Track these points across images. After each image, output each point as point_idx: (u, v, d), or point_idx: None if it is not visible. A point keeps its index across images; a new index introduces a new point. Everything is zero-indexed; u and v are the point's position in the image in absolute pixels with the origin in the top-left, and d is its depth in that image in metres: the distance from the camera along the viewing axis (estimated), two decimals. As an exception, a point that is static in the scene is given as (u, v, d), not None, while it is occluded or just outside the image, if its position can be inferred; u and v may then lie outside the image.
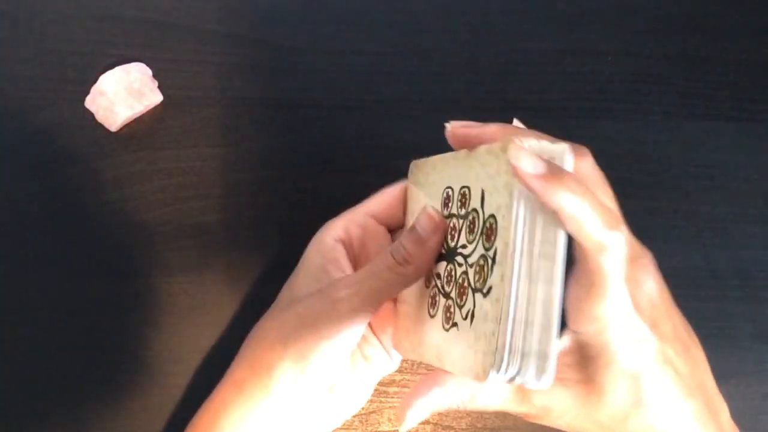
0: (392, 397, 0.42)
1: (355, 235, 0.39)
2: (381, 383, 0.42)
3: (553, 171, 0.28)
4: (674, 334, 0.31)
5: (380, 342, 0.38)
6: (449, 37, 0.47)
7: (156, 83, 0.45)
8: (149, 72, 0.45)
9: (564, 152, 0.30)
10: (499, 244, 0.30)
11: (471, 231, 0.33)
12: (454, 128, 0.34)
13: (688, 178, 0.45)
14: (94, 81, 0.44)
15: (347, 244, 0.39)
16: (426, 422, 0.42)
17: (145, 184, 0.44)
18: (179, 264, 0.43)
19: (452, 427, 0.42)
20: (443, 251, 0.35)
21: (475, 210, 0.32)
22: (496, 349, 0.29)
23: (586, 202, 0.28)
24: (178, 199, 0.44)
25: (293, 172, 0.45)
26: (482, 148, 0.32)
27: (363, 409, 0.42)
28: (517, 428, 0.42)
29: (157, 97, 0.45)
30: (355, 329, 0.34)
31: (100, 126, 0.44)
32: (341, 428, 0.42)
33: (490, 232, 0.31)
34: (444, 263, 0.35)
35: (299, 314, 0.35)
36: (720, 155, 0.46)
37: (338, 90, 0.46)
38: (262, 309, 0.41)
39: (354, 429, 0.42)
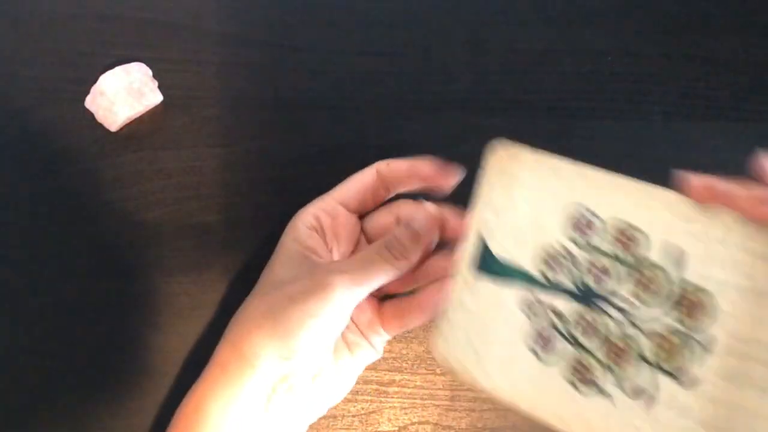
0: (392, 397, 0.42)
1: (325, 223, 0.39)
2: (381, 383, 0.42)
3: None
4: None
5: (364, 336, 0.38)
6: (449, 37, 0.47)
7: (156, 83, 0.45)
8: (149, 72, 0.45)
9: None
10: (719, 332, 0.26)
11: (647, 289, 0.28)
12: (695, 184, 0.28)
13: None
14: (94, 81, 0.44)
15: (319, 232, 0.39)
16: (426, 422, 0.42)
17: (145, 184, 0.44)
18: (179, 264, 0.43)
19: (452, 427, 0.42)
20: (572, 287, 0.30)
21: (659, 268, 0.28)
22: None
23: None
24: (178, 199, 0.44)
25: (293, 172, 0.45)
26: (689, 203, 0.28)
27: (363, 409, 0.42)
28: (517, 428, 0.42)
29: (157, 97, 0.45)
30: (343, 312, 0.35)
31: (100, 126, 0.44)
32: (341, 428, 0.42)
33: (697, 310, 0.27)
34: (573, 304, 0.30)
35: (288, 293, 0.35)
36: (720, 155, 0.46)
37: (338, 90, 0.46)
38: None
39: (354, 429, 0.42)
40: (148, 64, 0.45)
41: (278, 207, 0.44)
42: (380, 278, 0.36)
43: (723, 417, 0.25)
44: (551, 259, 0.30)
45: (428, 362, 0.42)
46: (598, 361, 0.29)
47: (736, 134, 0.46)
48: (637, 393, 0.28)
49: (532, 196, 0.31)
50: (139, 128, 0.45)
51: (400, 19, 0.47)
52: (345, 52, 0.47)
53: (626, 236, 0.29)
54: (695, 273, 0.27)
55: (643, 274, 0.28)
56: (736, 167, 0.46)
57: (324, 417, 0.42)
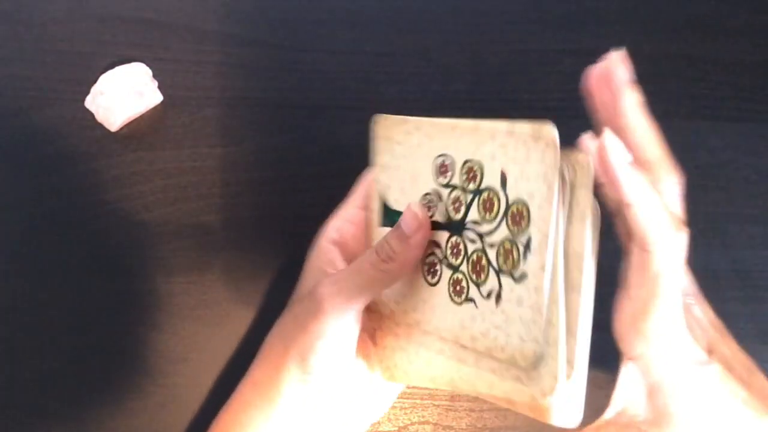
0: (392, 397, 0.42)
1: (348, 232, 0.39)
2: (381, 383, 0.42)
3: (633, 165, 0.29)
4: (734, 357, 0.31)
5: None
6: (449, 37, 0.47)
7: (156, 83, 0.45)
8: (149, 72, 0.45)
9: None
10: (534, 233, 0.31)
11: (488, 210, 0.33)
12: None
13: (687, 178, 0.45)
14: (94, 81, 0.44)
15: (342, 244, 0.39)
16: (426, 422, 0.42)
17: (145, 184, 0.44)
18: (179, 264, 0.43)
19: (452, 427, 0.42)
20: (443, 221, 0.35)
21: (491, 189, 0.33)
22: (537, 339, 0.30)
23: (658, 200, 0.29)
24: (178, 199, 0.44)
25: (293, 172, 0.45)
26: (501, 130, 0.33)
27: (363, 409, 0.42)
28: (517, 428, 0.42)
29: (157, 97, 0.45)
30: (343, 326, 0.35)
31: (100, 126, 0.44)
32: (341, 428, 0.42)
33: (519, 218, 0.32)
34: (446, 233, 0.35)
35: (295, 316, 0.36)
36: (720, 155, 0.46)
37: (338, 90, 0.46)
38: (261, 309, 0.41)
39: (354, 429, 0.42)
40: (148, 64, 0.45)
41: (278, 207, 0.44)
42: (373, 285, 0.35)
43: (543, 303, 0.31)
44: (428, 203, 0.36)
45: (428, 362, 0.43)
46: (465, 275, 0.34)
47: (736, 134, 0.46)
48: (489, 294, 0.33)
49: (407, 153, 0.37)
50: (139, 128, 0.45)
51: (400, 19, 0.47)
52: (345, 52, 0.47)
53: (471, 171, 0.34)
54: (515, 190, 0.32)
55: (485, 198, 0.34)
56: (736, 167, 0.46)
57: (324, 417, 0.42)
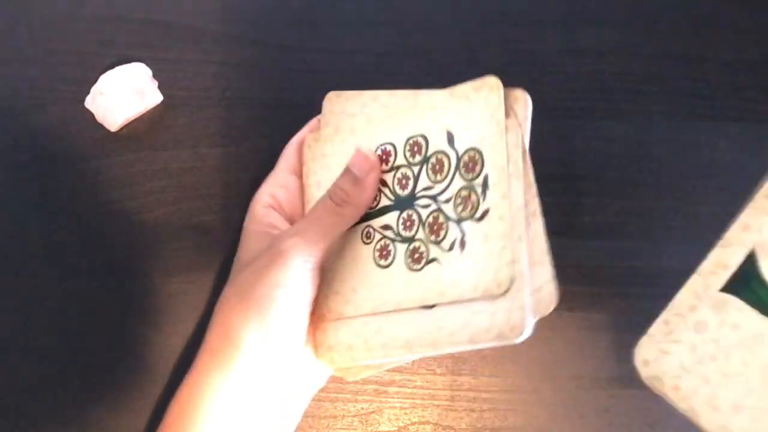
0: (392, 397, 0.42)
1: (282, 197, 0.41)
2: (381, 383, 0.42)
3: None
4: None
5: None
6: (449, 37, 0.47)
7: (156, 83, 0.45)
8: (149, 72, 0.45)
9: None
10: (490, 169, 0.33)
11: (437, 171, 0.36)
12: None
13: (688, 178, 0.45)
14: (94, 81, 0.44)
15: (277, 208, 0.40)
16: (426, 422, 0.42)
17: (145, 184, 0.44)
18: (179, 264, 0.43)
19: (452, 427, 0.42)
20: (390, 203, 0.37)
21: (439, 152, 0.36)
22: (509, 263, 0.32)
23: None
24: (178, 199, 0.44)
25: (293, 172, 0.45)
26: (441, 95, 0.36)
27: (363, 409, 0.42)
28: (517, 428, 0.42)
29: (157, 97, 0.45)
30: (305, 275, 0.36)
31: (100, 126, 0.44)
32: (341, 428, 0.42)
33: (473, 164, 0.34)
34: (395, 213, 0.37)
35: (252, 271, 0.36)
36: (720, 155, 0.46)
37: (338, 90, 0.46)
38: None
39: (354, 429, 0.42)
40: (148, 64, 0.45)
41: (278, 207, 0.44)
42: (331, 230, 0.37)
43: (509, 228, 0.32)
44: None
45: (428, 362, 0.42)
46: (422, 241, 0.36)
47: (736, 134, 0.46)
48: (452, 246, 0.34)
49: (345, 151, 0.39)
50: (139, 128, 0.45)
51: (400, 19, 0.47)
52: (345, 52, 0.47)
53: (415, 144, 0.37)
54: (465, 141, 0.34)
55: (433, 163, 0.36)
56: (736, 167, 0.46)
57: (324, 417, 0.42)
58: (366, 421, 0.42)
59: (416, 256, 0.36)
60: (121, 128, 0.45)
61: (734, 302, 0.27)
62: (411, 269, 0.36)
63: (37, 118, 0.45)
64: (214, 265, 0.43)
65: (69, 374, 0.42)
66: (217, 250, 0.43)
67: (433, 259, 0.35)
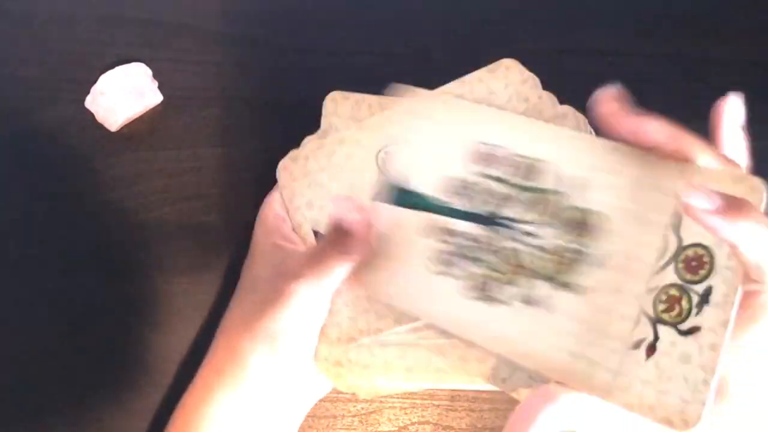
0: (392, 397, 0.42)
1: None
2: (381, 383, 0.42)
3: (732, 203, 0.27)
4: None
5: None
6: (449, 37, 0.47)
7: (156, 83, 0.45)
8: (149, 72, 0.45)
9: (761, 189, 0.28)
10: (715, 282, 0.28)
11: (543, 213, 0.31)
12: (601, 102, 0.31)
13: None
14: (94, 81, 0.44)
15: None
16: (426, 422, 0.42)
17: (145, 184, 0.44)
18: (179, 264, 0.43)
19: (452, 427, 0.42)
20: (474, 213, 0.33)
21: (553, 193, 0.31)
22: (704, 402, 0.27)
23: (762, 228, 0.26)
24: (178, 199, 0.44)
25: (293, 172, 0.45)
26: (574, 134, 0.31)
27: (363, 409, 0.42)
28: (517, 428, 0.42)
29: (157, 97, 0.45)
30: (314, 309, 0.35)
31: (100, 126, 0.44)
32: (341, 428, 0.42)
33: (696, 264, 0.29)
34: (472, 225, 0.33)
35: (259, 302, 0.35)
36: (720, 155, 0.46)
37: (338, 90, 0.46)
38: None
39: (354, 429, 0.42)
40: (148, 64, 0.45)
41: (278, 207, 0.44)
42: (338, 271, 0.34)
43: (718, 362, 0.28)
44: (453, 188, 0.34)
45: (428, 362, 0.42)
46: (498, 276, 0.32)
47: (736, 134, 0.46)
48: (532, 302, 0.31)
49: (429, 130, 0.34)
50: (139, 128, 0.45)
51: (400, 19, 0.47)
52: (345, 52, 0.47)
53: (524, 167, 0.32)
54: (586, 198, 0.30)
55: (540, 200, 0.31)
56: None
57: (324, 417, 0.42)
58: (366, 421, 0.42)
59: (485, 288, 0.32)
60: (121, 128, 0.45)
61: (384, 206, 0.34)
62: (474, 296, 0.32)
63: (37, 118, 0.45)
64: (214, 265, 0.43)
65: (69, 374, 0.42)
66: (217, 250, 0.43)
67: (504, 302, 0.32)
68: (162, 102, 0.45)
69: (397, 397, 0.42)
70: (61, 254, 0.43)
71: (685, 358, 0.28)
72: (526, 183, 0.32)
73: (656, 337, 0.29)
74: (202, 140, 0.45)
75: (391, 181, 0.36)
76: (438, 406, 0.42)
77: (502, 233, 0.32)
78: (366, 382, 0.36)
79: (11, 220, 0.44)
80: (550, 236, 0.31)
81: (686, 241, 0.29)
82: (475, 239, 0.33)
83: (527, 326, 0.31)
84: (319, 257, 0.35)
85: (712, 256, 0.29)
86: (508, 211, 0.32)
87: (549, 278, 0.30)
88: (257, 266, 0.39)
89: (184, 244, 0.44)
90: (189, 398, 0.36)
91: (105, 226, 0.44)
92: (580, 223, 0.30)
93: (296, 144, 0.45)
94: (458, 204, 0.33)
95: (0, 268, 0.43)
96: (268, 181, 0.45)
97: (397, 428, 0.42)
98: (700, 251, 0.29)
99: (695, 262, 0.29)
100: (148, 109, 0.45)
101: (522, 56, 0.47)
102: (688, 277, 0.29)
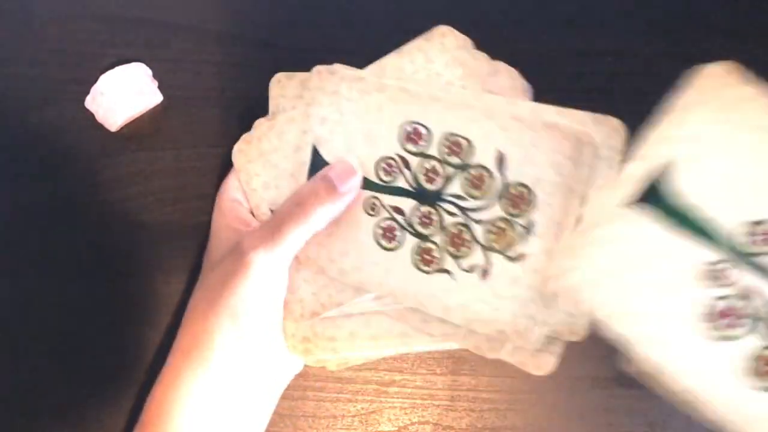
0: (392, 397, 0.42)
1: None
2: (381, 383, 0.42)
3: None
4: None
5: None
6: (449, 37, 0.47)
7: (156, 83, 0.45)
8: (149, 72, 0.45)
9: None
10: (538, 217, 0.32)
11: (476, 187, 0.34)
12: None
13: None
14: (94, 81, 0.44)
15: (244, 201, 0.40)
16: (426, 422, 0.42)
17: (145, 184, 0.44)
18: (179, 264, 0.43)
19: (452, 427, 0.42)
20: (409, 188, 0.35)
21: (482, 168, 0.34)
22: (533, 317, 0.32)
23: None
24: (178, 199, 0.44)
25: (293, 172, 0.45)
26: (503, 111, 0.33)
27: (363, 409, 0.42)
28: (517, 428, 0.42)
29: (157, 97, 0.45)
30: (272, 282, 0.35)
31: (100, 126, 0.44)
32: (341, 428, 0.42)
33: (518, 200, 0.33)
34: (412, 202, 0.35)
35: (219, 277, 0.36)
36: (720, 155, 0.46)
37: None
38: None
39: (354, 429, 0.42)
40: (148, 64, 0.45)
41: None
42: (296, 237, 0.35)
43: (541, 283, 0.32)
44: (387, 166, 0.36)
45: (428, 362, 0.42)
46: (438, 247, 0.34)
47: (736, 134, 0.46)
48: (472, 269, 0.34)
49: (361, 112, 0.36)
50: (139, 128, 0.45)
51: (400, 19, 0.47)
52: (344, 52, 0.47)
53: (455, 145, 0.34)
54: (516, 173, 0.33)
55: (472, 175, 0.34)
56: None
57: (324, 417, 0.42)
58: (366, 421, 0.42)
59: (427, 257, 0.35)
60: (121, 128, 0.45)
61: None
62: (418, 268, 0.35)
63: (37, 118, 0.45)
64: (214, 265, 0.43)
65: (69, 374, 0.42)
66: (217, 250, 0.43)
67: (446, 271, 0.34)
68: (162, 102, 0.45)
69: (397, 397, 0.42)
70: (61, 254, 0.43)
71: (513, 281, 0.33)
72: (457, 160, 0.34)
73: (488, 263, 0.33)
74: (202, 140, 0.45)
75: (314, 155, 0.37)
76: (438, 406, 0.42)
77: (444, 208, 0.34)
78: (333, 354, 0.37)
79: (11, 220, 0.44)
80: (482, 206, 0.33)
81: (510, 179, 0.33)
82: (417, 216, 0.35)
83: (473, 293, 0.33)
84: (275, 226, 0.35)
85: (532, 194, 0.32)
86: (438, 185, 0.34)
87: (484, 246, 0.33)
88: (215, 249, 0.39)
89: (184, 244, 0.44)
90: (160, 385, 0.36)
91: (105, 226, 0.44)
92: (511, 194, 0.33)
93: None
94: (399, 182, 0.36)
95: (0, 268, 0.43)
96: (268, 181, 0.45)
97: (397, 428, 0.42)
98: (523, 190, 0.33)
99: (519, 199, 0.33)
100: (148, 109, 0.45)
101: (522, 56, 0.47)
102: (514, 212, 0.33)
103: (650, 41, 0.47)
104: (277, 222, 0.35)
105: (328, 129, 0.37)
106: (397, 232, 0.36)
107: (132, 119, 0.45)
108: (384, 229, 0.36)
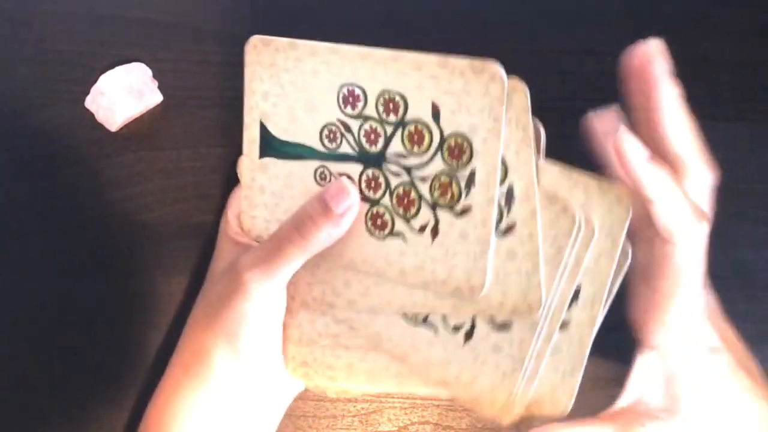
0: (392, 397, 0.42)
1: None
2: (381, 383, 0.42)
3: (652, 158, 0.29)
4: (738, 345, 0.32)
5: None
6: (449, 37, 0.47)
7: (156, 83, 0.45)
8: (149, 72, 0.45)
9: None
10: (478, 166, 0.31)
11: (416, 143, 0.33)
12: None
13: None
14: (94, 81, 0.44)
15: None
16: (426, 422, 0.42)
17: (145, 184, 0.44)
18: (179, 264, 0.43)
19: (452, 427, 0.42)
20: (352, 153, 0.34)
21: (419, 122, 0.32)
22: (484, 269, 0.31)
23: (680, 194, 0.29)
24: (178, 199, 0.44)
25: (293, 172, 0.45)
26: (431, 61, 0.32)
27: (363, 409, 0.42)
28: (516, 428, 0.42)
29: (157, 97, 0.45)
30: (269, 303, 0.35)
31: (100, 126, 0.44)
32: (341, 428, 0.42)
33: (458, 152, 0.31)
34: (357, 166, 0.34)
35: (218, 296, 0.36)
36: (720, 155, 0.46)
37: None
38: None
39: (354, 429, 0.42)
40: (148, 64, 0.45)
41: (278, 207, 0.44)
42: (294, 260, 0.34)
43: (491, 235, 0.31)
44: (330, 132, 0.35)
45: (428, 362, 0.42)
46: (388, 210, 0.33)
47: (736, 134, 0.46)
48: (423, 229, 0.33)
49: (299, 81, 0.35)
50: (139, 128, 0.45)
51: (399, 19, 0.47)
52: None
53: (391, 102, 0.33)
54: (453, 123, 0.31)
55: (409, 130, 0.32)
56: (736, 167, 0.46)
57: (324, 417, 0.42)
58: (366, 421, 0.42)
59: (379, 222, 0.34)
60: (121, 128, 0.45)
61: (270, 161, 0.36)
62: (371, 234, 0.34)
63: (37, 118, 0.45)
64: (214, 265, 0.43)
65: (69, 374, 0.42)
66: (217, 250, 0.43)
67: (399, 234, 0.33)
68: (162, 102, 0.45)
69: (398, 397, 0.42)
70: (61, 254, 0.43)
71: (463, 235, 0.31)
72: (394, 118, 0.33)
73: (437, 220, 0.32)
74: (202, 140, 0.45)
75: (262, 132, 0.37)
76: (438, 406, 0.42)
77: (389, 169, 0.33)
78: (332, 382, 0.36)
79: (11, 220, 0.44)
80: (423, 162, 0.32)
81: (446, 131, 0.32)
82: (365, 180, 0.34)
83: (427, 254, 0.33)
84: (273, 249, 0.34)
85: (470, 143, 0.31)
86: (380, 146, 0.34)
87: (430, 203, 0.32)
88: (218, 262, 0.39)
89: (184, 244, 0.44)
90: (159, 398, 0.37)
91: (105, 226, 0.44)
92: (448, 146, 0.32)
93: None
94: (342, 149, 0.35)
95: (0, 268, 0.43)
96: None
97: (397, 428, 0.42)
98: (459, 140, 0.31)
99: (457, 150, 0.31)
100: (148, 109, 0.45)
101: (522, 56, 0.47)
102: (454, 163, 0.31)
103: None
104: (275, 245, 0.34)
105: (272, 103, 0.36)
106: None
107: (132, 119, 0.45)
108: None
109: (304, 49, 0.34)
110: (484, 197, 0.31)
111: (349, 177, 0.34)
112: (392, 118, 0.33)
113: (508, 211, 0.31)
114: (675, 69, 0.48)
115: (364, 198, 0.34)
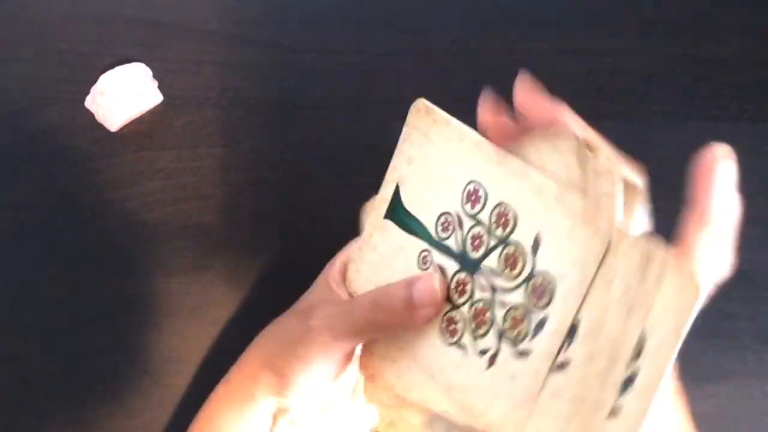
0: (392, 397, 0.42)
1: None
2: (381, 383, 0.42)
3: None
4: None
5: None
6: (449, 37, 0.47)
7: (156, 83, 0.45)
8: (149, 72, 0.45)
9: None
10: (551, 315, 0.29)
11: (509, 266, 0.31)
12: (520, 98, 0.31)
13: (688, 179, 0.45)
14: (94, 81, 0.44)
15: None
16: (426, 422, 0.42)
17: (145, 184, 0.44)
18: (179, 264, 0.43)
19: (452, 427, 0.42)
20: (456, 250, 0.33)
21: (519, 247, 0.31)
22: (519, 424, 0.29)
23: (730, 238, 0.29)
24: (178, 199, 0.44)
25: (293, 172, 0.45)
26: (550, 193, 0.30)
27: (363, 409, 0.42)
28: (517, 428, 0.42)
29: (157, 97, 0.45)
30: (330, 359, 0.34)
31: (100, 126, 0.44)
32: (341, 428, 0.42)
33: (541, 293, 0.29)
34: (455, 264, 0.33)
35: (282, 330, 0.36)
36: (720, 155, 0.46)
37: (338, 90, 0.46)
38: (261, 309, 0.41)
39: (354, 429, 0.42)
40: (148, 64, 0.45)
41: (278, 207, 0.44)
42: (362, 335, 0.34)
43: (537, 389, 0.29)
44: (446, 221, 0.33)
45: (428, 362, 0.42)
46: (462, 318, 0.32)
47: (736, 134, 0.46)
48: (484, 352, 0.31)
49: (440, 158, 0.34)
50: (139, 128, 0.45)
51: (400, 19, 0.47)
52: (344, 52, 0.47)
53: (503, 216, 0.31)
54: (545, 260, 0.30)
55: (509, 254, 0.31)
56: (736, 167, 0.46)
57: (324, 417, 0.42)
58: (366, 421, 0.42)
59: (451, 327, 0.32)
60: (121, 128, 0.45)
61: (391, 225, 0.35)
62: (441, 335, 0.33)
63: (37, 118, 0.45)
64: (214, 265, 0.43)
65: (69, 374, 0.42)
66: (217, 250, 0.43)
67: (463, 347, 0.32)
68: (162, 102, 0.45)
69: (397, 397, 0.42)
70: (61, 254, 0.43)
71: (513, 377, 0.30)
72: (501, 233, 0.31)
73: (498, 350, 0.30)
74: (202, 140, 0.45)
75: (395, 193, 0.35)
76: None
77: (478, 281, 0.32)
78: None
79: (12, 220, 0.44)
80: (508, 287, 0.31)
81: (538, 268, 0.30)
82: (455, 281, 0.33)
83: (477, 380, 0.31)
84: (347, 315, 0.34)
85: (553, 289, 0.29)
86: (479, 255, 0.32)
87: (499, 330, 0.31)
88: (310, 295, 0.38)
89: (184, 244, 0.44)
90: (203, 413, 0.37)
91: (105, 226, 0.44)
92: (534, 282, 0.30)
93: (296, 144, 0.45)
94: (449, 242, 0.33)
95: (0, 268, 0.43)
96: (267, 182, 0.45)
97: (397, 428, 0.42)
98: (545, 281, 0.29)
99: (540, 290, 0.29)
100: (148, 109, 0.45)
101: (522, 56, 0.47)
102: (534, 301, 0.30)
103: (649, 41, 0.47)
104: (349, 313, 0.34)
105: (411, 170, 0.35)
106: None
107: (132, 119, 0.45)
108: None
109: (454, 131, 0.33)
110: (545, 349, 0.29)
111: (444, 272, 0.33)
112: (499, 232, 0.31)
113: (531, 337, 0.29)
114: (675, 69, 0.48)
115: (448, 298, 0.33)
